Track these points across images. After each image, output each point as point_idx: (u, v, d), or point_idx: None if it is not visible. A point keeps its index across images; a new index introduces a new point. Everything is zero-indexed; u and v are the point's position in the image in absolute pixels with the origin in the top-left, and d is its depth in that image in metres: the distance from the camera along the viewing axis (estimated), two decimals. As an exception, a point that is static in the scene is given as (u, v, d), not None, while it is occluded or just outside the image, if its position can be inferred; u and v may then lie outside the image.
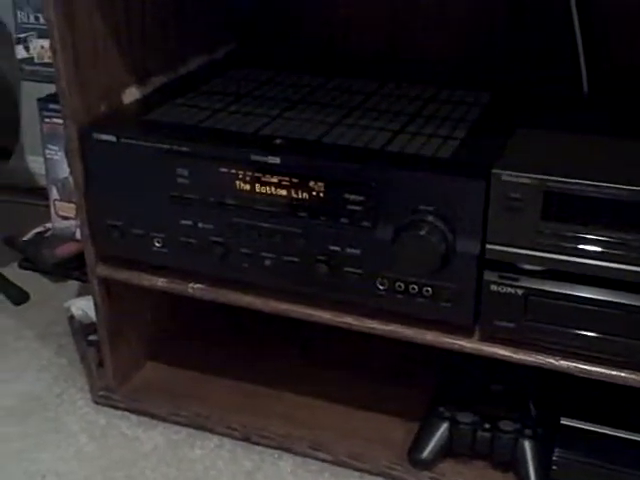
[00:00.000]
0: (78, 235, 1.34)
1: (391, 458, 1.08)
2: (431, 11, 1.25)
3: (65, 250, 1.55)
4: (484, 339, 0.95)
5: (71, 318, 1.35)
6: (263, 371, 1.24)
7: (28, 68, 1.47)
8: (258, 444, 1.13)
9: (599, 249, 0.86)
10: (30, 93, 1.65)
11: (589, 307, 0.89)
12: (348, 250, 0.95)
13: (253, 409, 1.16)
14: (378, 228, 0.92)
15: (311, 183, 0.94)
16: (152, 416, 1.19)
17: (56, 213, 1.59)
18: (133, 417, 1.19)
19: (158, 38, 1.16)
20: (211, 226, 1.00)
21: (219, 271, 1.03)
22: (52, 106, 1.47)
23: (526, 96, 1.11)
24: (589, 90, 1.16)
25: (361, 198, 0.92)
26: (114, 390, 1.21)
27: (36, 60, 1.46)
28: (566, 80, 1.17)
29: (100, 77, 1.06)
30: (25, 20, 1.44)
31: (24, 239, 1.62)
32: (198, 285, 1.06)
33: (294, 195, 0.95)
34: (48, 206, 1.60)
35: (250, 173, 0.96)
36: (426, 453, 1.06)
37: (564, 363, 0.92)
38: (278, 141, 0.98)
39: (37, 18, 1.43)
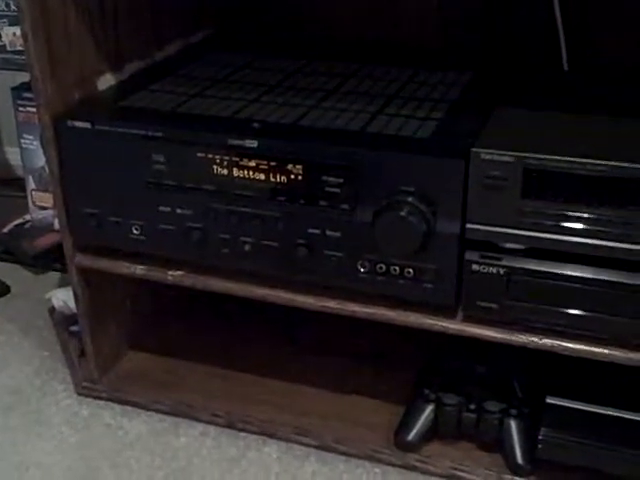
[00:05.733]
0: (56, 225, 1.33)
1: (377, 441, 1.08)
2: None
3: (45, 241, 1.54)
4: (467, 320, 0.94)
5: (52, 310, 1.35)
6: (246, 357, 1.23)
7: (1, 56, 1.46)
8: (243, 431, 1.13)
9: (581, 226, 0.85)
10: (4, 82, 1.64)
11: (572, 285, 0.88)
12: (328, 233, 0.94)
13: (236, 396, 1.16)
14: (358, 210, 0.92)
15: (289, 166, 0.93)
16: (135, 405, 1.18)
17: (34, 203, 1.58)
18: (116, 407, 1.19)
19: (133, 23, 1.15)
20: (189, 212, 0.99)
21: (198, 257, 1.02)
22: (26, 95, 1.46)
23: (506, 75, 1.11)
24: (569, 68, 1.15)
25: (340, 180, 0.91)
26: (96, 380, 1.20)
27: (8, 48, 1.45)
28: (546, 58, 1.17)
29: (74, 64, 1.05)
30: (-5, 7, 1.43)
31: (3, 231, 1.61)
32: (177, 272, 1.05)
33: (272, 179, 0.94)
34: (26, 197, 1.59)
35: (227, 157, 0.95)
36: (412, 435, 1.06)
37: (548, 341, 0.92)
38: (255, 125, 0.97)
39: (8, 5, 1.42)
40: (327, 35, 1.31)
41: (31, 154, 1.53)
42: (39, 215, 1.57)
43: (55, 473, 1.07)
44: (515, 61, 1.16)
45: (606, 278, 0.87)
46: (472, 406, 1.03)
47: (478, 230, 0.89)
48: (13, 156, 1.82)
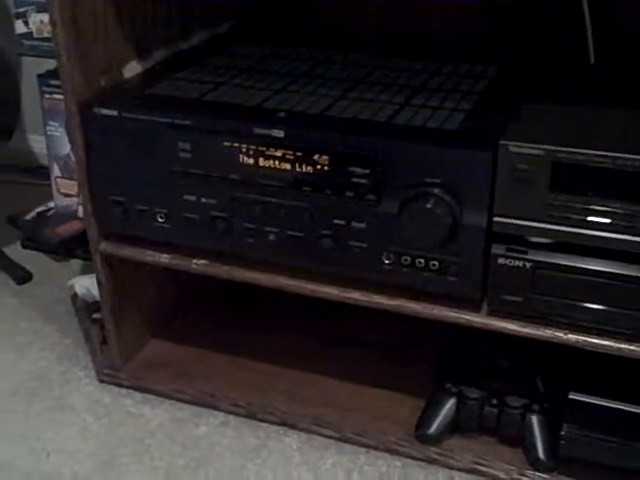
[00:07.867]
0: (80, 212, 1.33)
1: (398, 434, 1.07)
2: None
3: (68, 229, 1.54)
4: (491, 313, 0.94)
5: (74, 297, 1.35)
6: (268, 348, 1.23)
7: (28, 43, 1.46)
8: (263, 421, 1.13)
9: (608, 221, 0.84)
10: (30, 69, 1.64)
11: (598, 280, 0.87)
12: (353, 224, 0.94)
13: (258, 386, 1.16)
14: (383, 201, 0.91)
15: (315, 156, 0.92)
16: (157, 393, 1.18)
17: (58, 190, 1.58)
18: (138, 395, 1.19)
19: (160, 12, 1.15)
20: (214, 201, 0.99)
21: (223, 247, 1.02)
22: (52, 82, 1.46)
23: (533, 67, 1.10)
24: (596, 61, 1.14)
25: (366, 171, 0.91)
26: (118, 368, 1.20)
27: (35, 35, 1.45)
28: (573, 52, 1.16)
29: (101, 51, 1.05)
30: (24, -6, 1.44)
31: (27, 218, 1.61)
32: (202, 261, 1.05)
33: (298, 169, 0.94)
34: (50, 184, 1.59)
35: (253, 147, 0.95)
36: (433, 429, 1.05)
37: (572, 337, 0.91)
38: (282, 114, 0.96)
39: (36, -8, 1.43)
40: (353, 26, 1.30)
41: (56, 141, 1.54)
42: (63, 202, 1.58)
43: (76, 459, 1.08)
44: (542, 54, 1.15)
45: (633, 274, 0.86)
46: (494, 401, 1.03)
47: (505, 223, 0.88)
48: (36, 144, 1.83)
